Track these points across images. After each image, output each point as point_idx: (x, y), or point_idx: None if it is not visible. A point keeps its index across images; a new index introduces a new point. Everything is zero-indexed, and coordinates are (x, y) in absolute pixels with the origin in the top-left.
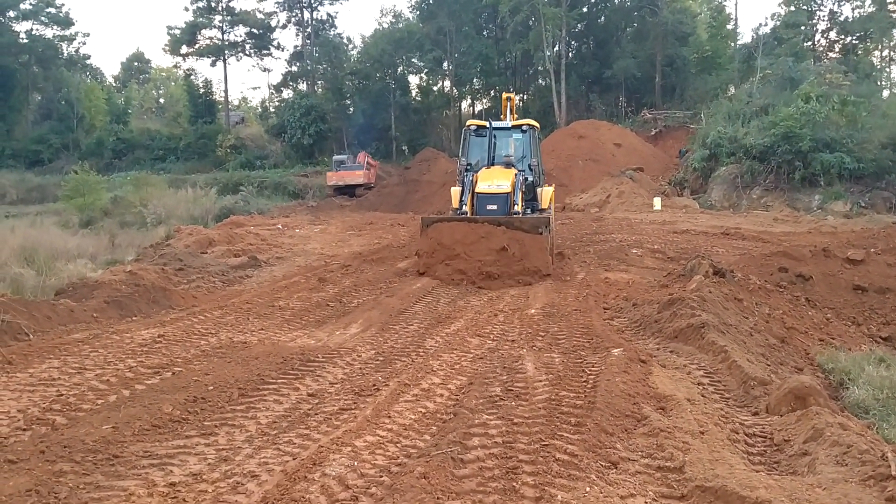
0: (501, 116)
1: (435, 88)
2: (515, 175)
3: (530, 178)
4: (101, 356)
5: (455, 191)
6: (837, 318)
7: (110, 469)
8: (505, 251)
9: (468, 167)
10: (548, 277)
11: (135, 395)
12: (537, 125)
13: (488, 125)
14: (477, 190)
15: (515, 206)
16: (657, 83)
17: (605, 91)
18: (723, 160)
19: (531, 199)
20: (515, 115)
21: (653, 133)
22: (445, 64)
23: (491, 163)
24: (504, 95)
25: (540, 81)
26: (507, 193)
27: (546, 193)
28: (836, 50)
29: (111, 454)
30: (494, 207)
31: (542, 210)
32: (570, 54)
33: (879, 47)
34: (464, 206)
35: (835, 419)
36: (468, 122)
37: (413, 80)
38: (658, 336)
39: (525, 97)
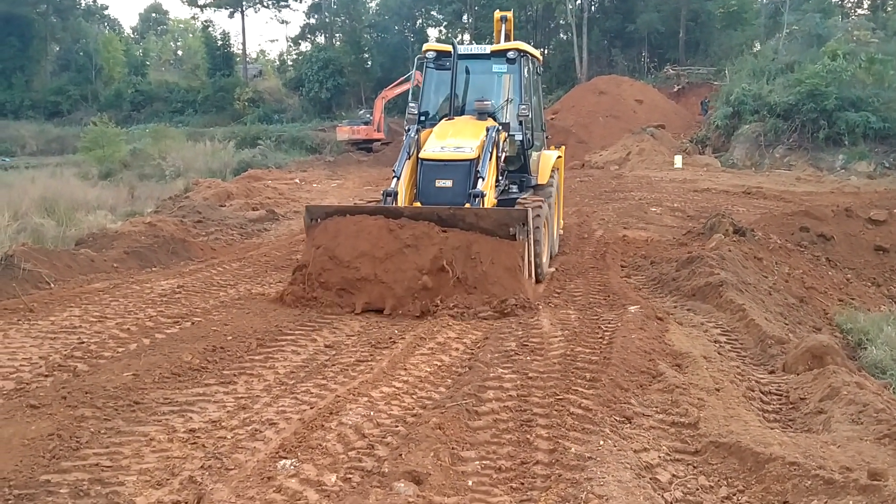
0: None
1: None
2: (486, 131)
3: (518, 137)
4: (121, 305)
5: None
6: (857, 279)
7: (131, 415)
8: (445, 272)
9: (422, 118)
10: (524, 310)
11: (155, 343)
12: (537, 54)
13: (453, 50)
14: (422, 155)
15: (479, 183)
16: (681, 38)
17: (627, 46)
18: (746, 118)
19: (518, 169)
20: None
21: (675, 89)
22: (465, 17)
23: (460, 111)
24: (497, 14)
25: (561, 36)
26: (471, 161)
27: (545, 161)
28: (865, 6)
29: (132, 401)
30: (448, 184)
31: (536, 187)
32: (593, 8)
33: None
34: (397, 183)
35: (851, 378)
36: (425, 47)
37: (432, 33)
38: (676, 294)
39: (546, 51)
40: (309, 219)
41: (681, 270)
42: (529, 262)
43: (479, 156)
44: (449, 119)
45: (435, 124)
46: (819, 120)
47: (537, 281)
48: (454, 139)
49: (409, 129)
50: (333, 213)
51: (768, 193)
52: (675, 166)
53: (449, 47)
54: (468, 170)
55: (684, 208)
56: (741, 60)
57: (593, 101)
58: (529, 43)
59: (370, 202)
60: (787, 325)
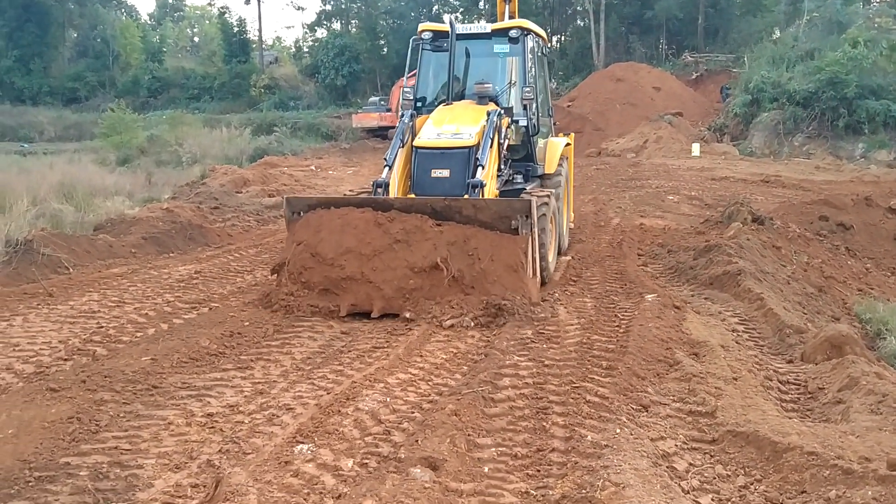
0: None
1: None
2: (487, 116)
3: (523, 122)
4: (139, 290)
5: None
6: (877, 268)
7: (150, 399)
8: (439, 270)
9: (419, 104)
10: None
11: (173, 328)
12: (542, 33)
13: (450, 29)
14: (417, 143)
15: (479, 172)
16: (700, 25)
17: (645, 33)
18: (765, 106)
19: (524, 157)
20: None
21: (693, 77)
22: (481, 3)
23: (459, 96)
24: None
25: (578, 22)
26: (470, 148)
27: (552, 148)
28: None
29: (150, 385)
30: (444, 174)
31: (543, 177)
32: None
33: None
34: (388, 173)
35: (871, 368)
36: (421, 28)
37: (456, 23)
38: (693, 283)
39: (563, 38)
40: (290, 212)
41: (698, 259)
42: (534, 259)
43: (478, 142)
44: (447, 104)
45: (433, 110)
46: (839, 108)
47: (543, 282)
48: (452, 125)
49: (402, 115)
50: (316, 206)
51: (787, 182)
52: (693, 154)
53: (446, 27)
54: (467, 158)
55: (702, 196)
56: (760, 47)
57: (610, 88)
58: (546, 29)
59: (360, 193)
60: (805, 314)
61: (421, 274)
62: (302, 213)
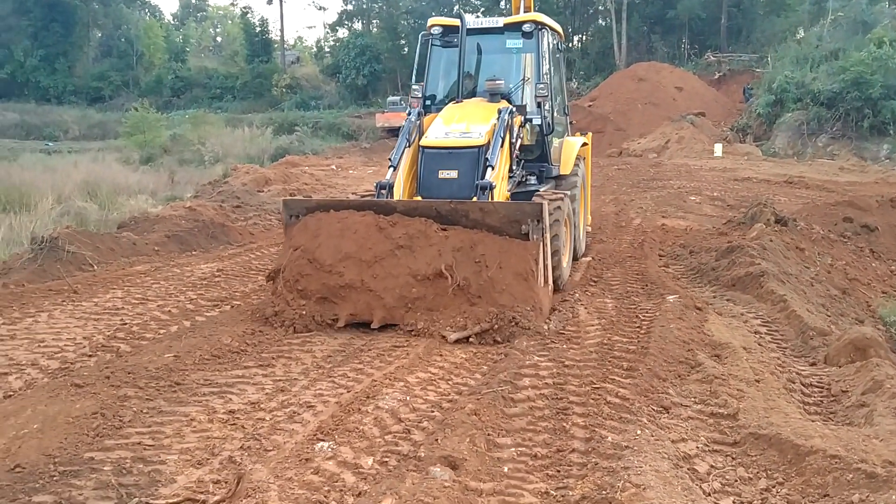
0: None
1: None
2: (498, 114)
3: (537, 121)
4: (162, 288)
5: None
6: None
7: (172, 395)
8: (444, 278)
9: (428, 102)
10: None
11: (195, 325)
12: (557, 28)
13: (460, 25)
14: (424, 142)
15: (488, 173)
16: (723, 24)
17: (667, 32)
18: (788, 106)
19: (537, 157)
20: None
21: (716, 77)
22: (503, 2)
23: (470, 93)
24: None
25: (600, 22)
26: (480, 147)
27: (568, 148)
28: None
29: (173, 381)
30: (452, 175)
31: (558, 178)
32: None
33: None
34: (393, 174)
35: (895, 371)
36: (430, 22)
37: (469, 19)
38: (715, 284)
39: (585, 38)
40: (287, 215)
41: (720, 260)
42: (545, 266)
43: (489, 142)
44: (457, 102)
45: (442, 108)
46: (863, 108)
47: (556, 290)
48: (461, 123)
49: (409, 113)
50: (315, 209)
51: (810, 183)
52: (715, 155)
53: (457, 21)
54: (476, 158)
55: (724, 197)
56: (784, 47)
57: (632, 88)
58: (567, 29)
59: (364, 195)
60: (829, 316)
61: (424, 282)
62: (300, 217)
